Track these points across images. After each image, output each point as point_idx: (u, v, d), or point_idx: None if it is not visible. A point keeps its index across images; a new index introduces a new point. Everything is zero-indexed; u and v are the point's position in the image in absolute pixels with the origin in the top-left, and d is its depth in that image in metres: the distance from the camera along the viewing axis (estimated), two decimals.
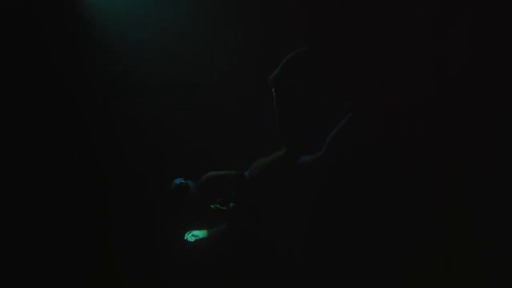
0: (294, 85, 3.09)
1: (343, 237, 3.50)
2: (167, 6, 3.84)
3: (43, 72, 3.81)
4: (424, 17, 3.35)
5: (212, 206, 3.19)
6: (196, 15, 3.83)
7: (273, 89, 3.07)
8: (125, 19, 3.86)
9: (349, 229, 3.49)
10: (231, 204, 3.18)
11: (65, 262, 3.76)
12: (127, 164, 3.91)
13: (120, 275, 3.80)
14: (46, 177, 3.80)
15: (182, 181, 3.24)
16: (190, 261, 3.67)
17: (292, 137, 3.09)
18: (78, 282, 3.74)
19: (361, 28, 3.46)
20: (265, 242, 3.58)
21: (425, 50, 3.34)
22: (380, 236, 3.43)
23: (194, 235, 3.30)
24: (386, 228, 3.43)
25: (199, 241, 3.30)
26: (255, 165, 3.21)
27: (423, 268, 3.34)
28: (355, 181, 3.47)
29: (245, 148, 3.55)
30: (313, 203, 3.45)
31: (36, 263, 3.72)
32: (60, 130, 3.84)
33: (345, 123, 3.06)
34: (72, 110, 3.87)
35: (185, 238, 3.29)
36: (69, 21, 3.83)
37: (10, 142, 3.76)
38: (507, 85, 3.25)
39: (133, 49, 3.87)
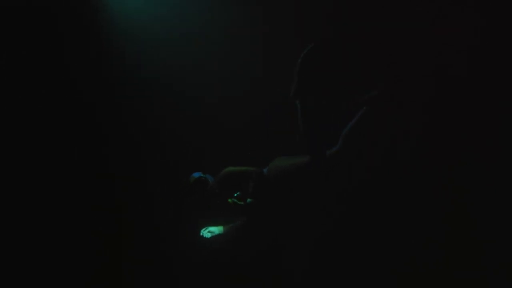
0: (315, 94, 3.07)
1: (347, 235, 3.50)
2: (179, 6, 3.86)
3: (55, 71, 3.83)
4: (425, 16, 3.35)
5: (229, 200, 3.22)
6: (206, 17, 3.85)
7: (297, 102, 3.05)
8: (137, 19, 3.88)
9: (352, 228, 3.49)
10: (249, 200, 3.20)
11: (77, 259, 3.78)
12: (142, 162, 3.95)
13: (129, 273, 3.82)
14: (59, 175, 3.82)
15: (201, 175, 3.28)
16: (202, 260, 3.70)
17: (317, 147, 3.09)
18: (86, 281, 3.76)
19: (366, 26, 3.46)
20: (275, 242, 3.60)
21: (425, 49, 3.34)
22: (381, 236, 3.43)
23: (210, 231, 3.32)
24: (386, 228, 3.43)
25: (214, 238, 3.32)
26: (274, 164, 3.24)
27: (423, 268, 3.34)
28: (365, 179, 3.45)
29: (262, 146, 3.61)
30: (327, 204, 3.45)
31: (47, 260, 3.74)
32: (71, 130, 3.86)
33: (360, 116, 3.06)
34: (85, 110, 3.89)
35: (201, 234, 3.31)
36: (82, 21, 3.85)
37: (22, 140, 3.78)
38: (507, 85, 3.25)
39: (146, 49, 3.90)
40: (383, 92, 3.08)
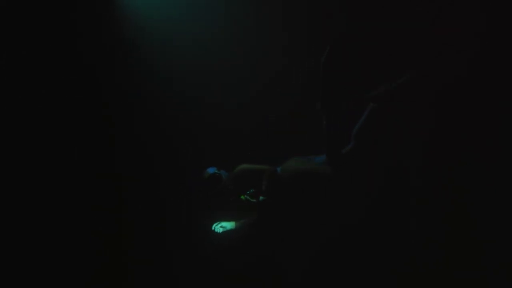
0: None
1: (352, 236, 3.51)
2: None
3: (75, 69, 3.86)
4: (424, 16, 3.35)
5: (242, 197, 3.26)
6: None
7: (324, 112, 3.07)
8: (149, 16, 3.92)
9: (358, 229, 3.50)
10: (261, 198, 3.21)
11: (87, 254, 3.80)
12: (152, 159, 3.98)
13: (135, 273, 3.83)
14: (64, 173, 3.83)
15: (216, 171, 3.30)
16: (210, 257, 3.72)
17: (337, 148, 3.10)
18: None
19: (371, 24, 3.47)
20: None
21: (424, 49, 3.34)
22: (385, 236, 3.44)
23: (222, 226, 3.33)
24: (386, 228, 3.43)
25: (226, 233, 3.33)
26: (289, 165, 3.24)
27: (423, 268, 3.34)
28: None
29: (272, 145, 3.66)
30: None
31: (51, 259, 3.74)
32: (77, 127, 3.88)
33: (368, 114, 3.06)
34: (92, 106, 3.91)
35: (213, 228, 3.33)
36: (103, 20, 3.89)
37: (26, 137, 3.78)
38: (507, 85, 3.25)
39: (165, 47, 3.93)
40: (389, 90, 3.07)
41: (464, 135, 3.31)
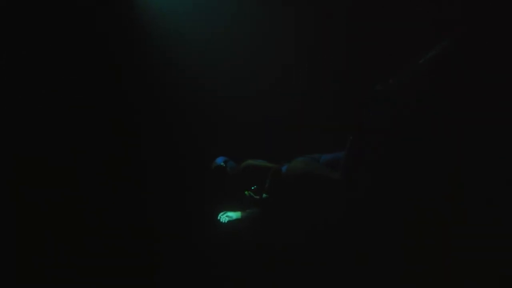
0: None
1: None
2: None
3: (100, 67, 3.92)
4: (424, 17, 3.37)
5: (246, 192, 3.28)
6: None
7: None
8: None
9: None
10: (264, 195, 3.22)
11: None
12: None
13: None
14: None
15: (222, 163, 3.37)
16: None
17: (353, 170, 3.07)
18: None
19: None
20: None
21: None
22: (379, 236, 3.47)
23: (228, 215, 3.35)
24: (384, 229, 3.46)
25: (231, 223, 3.36)
26: (294, 166, 3.22)
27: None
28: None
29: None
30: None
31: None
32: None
33: (349, 147, 3.04)
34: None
35: (219, 218, 3.35)
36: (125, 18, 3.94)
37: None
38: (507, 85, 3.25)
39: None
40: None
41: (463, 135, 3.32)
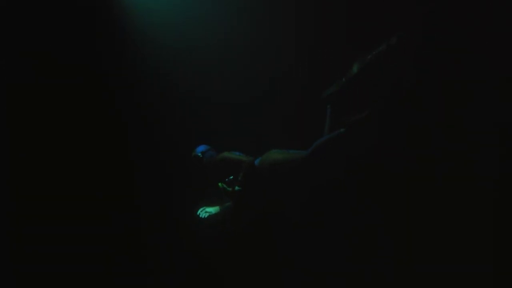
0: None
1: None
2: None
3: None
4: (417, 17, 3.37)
5: (219, 184, 3.30)
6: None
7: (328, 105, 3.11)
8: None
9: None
10: (237, 188, 3.25)
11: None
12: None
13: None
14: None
15: (199, 154, 3.47)
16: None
17: (323, 147, 3.12)
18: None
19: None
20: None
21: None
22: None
23: (207, 211, 3.40)
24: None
25: (211, 217, 3.39)
26: (267, 156, 3.28)
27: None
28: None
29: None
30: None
31: None
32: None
33: (335, 136, 3.08)
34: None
35: (198, 213, 3.39)
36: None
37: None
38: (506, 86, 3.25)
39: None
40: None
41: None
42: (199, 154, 3.47)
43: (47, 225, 3.74)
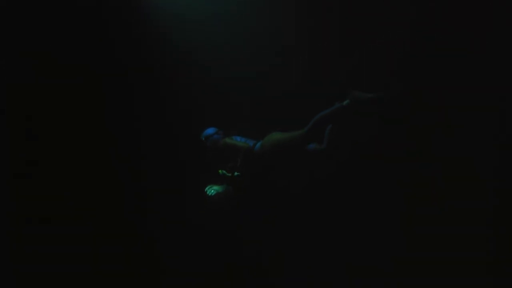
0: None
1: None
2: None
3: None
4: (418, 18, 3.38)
5: (219, 171, 3.35)
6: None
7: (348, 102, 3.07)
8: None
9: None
10: (236, 173, 3.30)
11: None
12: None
13: None
14: None
15: (212, 133, 3.52)
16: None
17: (319, 124, 3.14)
18: None
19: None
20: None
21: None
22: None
23: (214, 189, 3.40)
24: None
25: (218, 195, 3.40)
26: (269, 138, 3.31)
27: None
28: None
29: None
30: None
31: None
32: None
33: (334, 109, 3.08)
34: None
35: (206, 190, 3.39)
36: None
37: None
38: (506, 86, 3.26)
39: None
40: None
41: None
42: (203, 138, 3.52)
43: (47, 225, 3.72)
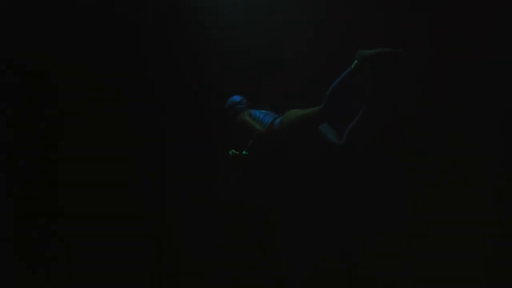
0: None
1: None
2: None
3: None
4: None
5: (230, 152, 3.28)
6: None
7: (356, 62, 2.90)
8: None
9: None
10: (244, 152, 3.25)
11: None
12: None
13: None
14: None
15: (238, 100, 3.45)
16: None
17: (337, 100, 2.98)
18: None
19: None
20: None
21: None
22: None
23: (233, 152, 3.32)
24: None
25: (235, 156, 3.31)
26: (288, 114, 3.17)
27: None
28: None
29: None
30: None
31: None
32: None
33: (361, 116, 3.03)
34: None
35: (230, 153, 3.30)
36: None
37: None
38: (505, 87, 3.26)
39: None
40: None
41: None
42: (227, 106, 3.45)
43: (47, 225, 3.74)
